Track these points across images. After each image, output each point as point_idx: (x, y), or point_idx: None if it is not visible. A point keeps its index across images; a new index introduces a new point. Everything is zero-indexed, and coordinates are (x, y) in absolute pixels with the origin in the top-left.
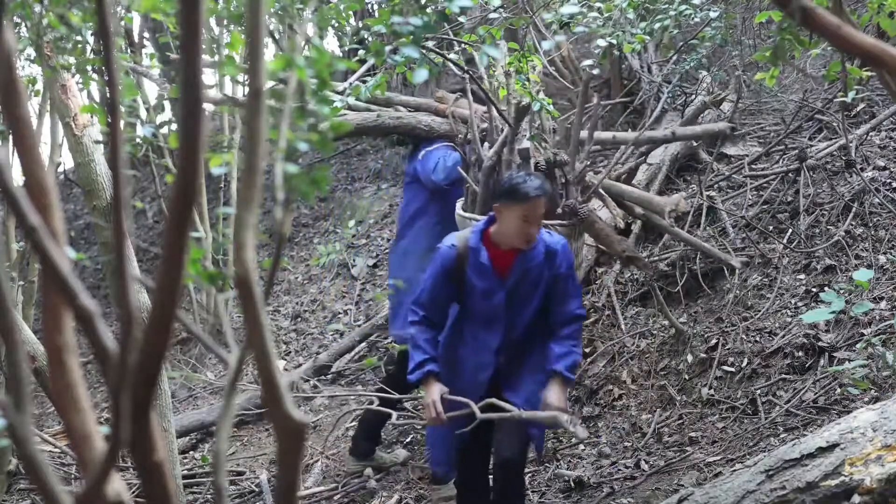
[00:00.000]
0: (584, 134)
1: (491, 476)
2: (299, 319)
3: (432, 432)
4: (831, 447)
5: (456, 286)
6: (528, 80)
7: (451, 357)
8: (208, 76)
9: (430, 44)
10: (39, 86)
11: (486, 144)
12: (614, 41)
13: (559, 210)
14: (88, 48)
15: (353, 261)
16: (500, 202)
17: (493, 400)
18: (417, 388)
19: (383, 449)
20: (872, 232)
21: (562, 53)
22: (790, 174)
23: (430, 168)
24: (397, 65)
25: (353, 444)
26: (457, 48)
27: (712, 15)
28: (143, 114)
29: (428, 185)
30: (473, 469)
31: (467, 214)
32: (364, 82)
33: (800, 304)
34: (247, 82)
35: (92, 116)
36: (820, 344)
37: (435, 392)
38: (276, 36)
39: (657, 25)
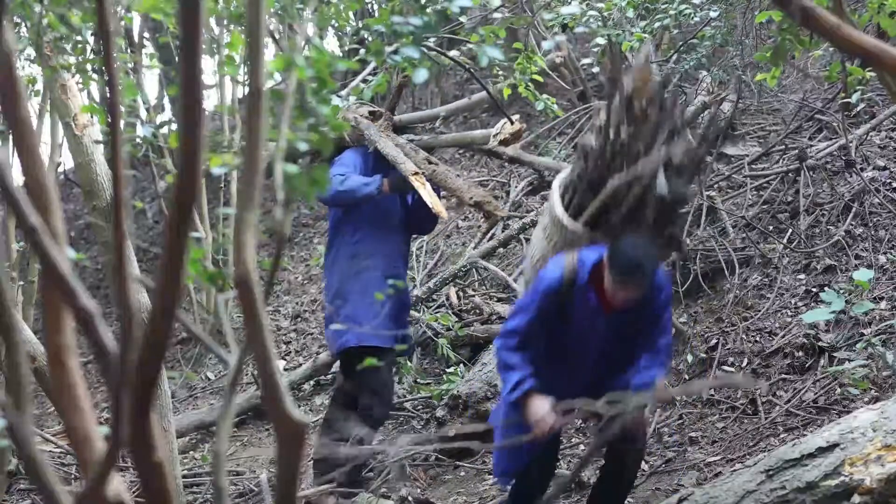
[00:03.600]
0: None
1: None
2: (299, 319)
3: (505, 441)
4: (831, 447)
5: (555, 316)
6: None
7: (542, 387)
8: (208, 76)
9: (432, 42)
10: (39, 86)
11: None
12: (613, 38)
13: (661, 237)
14: (88, 48)
15: None
16: (606, 257)
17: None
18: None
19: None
20: (872, 232)
21: (562, 54)
22: (790, 174)
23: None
24: (397, 64)
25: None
26: (460, 46)
27: (712, 14)
28: (143, 114)
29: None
30: (542, 476)
31: (573, 225)
32: (366, 82)
33: (800, 304)
34: (247, 82)
35: (92, 116)
36: (820, 344)
37: (545, 405)
38: (276, 36)
39: (657, 25)
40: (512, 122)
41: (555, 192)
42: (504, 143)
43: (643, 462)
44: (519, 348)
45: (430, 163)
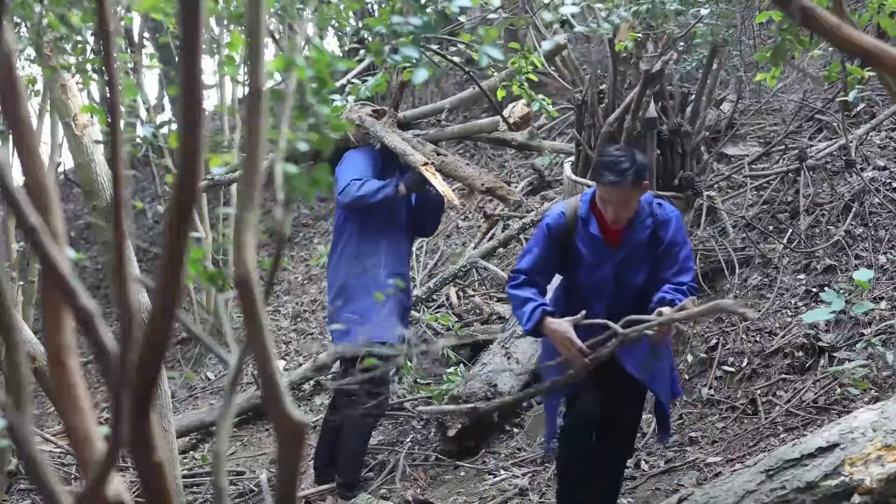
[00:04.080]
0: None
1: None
2: (299, 319)
3: (547, 403)
4: (831, 447)
5: (562, 255)
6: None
7: None
8: (208, 76)
9: (434, 46)
10: (39, 86)
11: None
12: (597, 27)
13: (675, 181)
14: (88, 48)
15: None
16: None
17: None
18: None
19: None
20: (872, 232)
21: (562, 54)
22: (790, 174)
23: (340, 186)
24: (396, 64)
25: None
26: (458, 48)
27: (703, 12)
28: (143, 114)
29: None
30: (579, 445)
31: (578, 179)
32: (364, 81)
33: (800, 304)
34: (247, 82)
35: (92, 116)
36: (820, 344)
37: (562, 325)
38: (276, 36)
39: (634, 9)
40: (508, 123)
41: (566, 163)
42: (513, 127)
43: (644, 462)
44: (526, 283)
45: (438, 154)
